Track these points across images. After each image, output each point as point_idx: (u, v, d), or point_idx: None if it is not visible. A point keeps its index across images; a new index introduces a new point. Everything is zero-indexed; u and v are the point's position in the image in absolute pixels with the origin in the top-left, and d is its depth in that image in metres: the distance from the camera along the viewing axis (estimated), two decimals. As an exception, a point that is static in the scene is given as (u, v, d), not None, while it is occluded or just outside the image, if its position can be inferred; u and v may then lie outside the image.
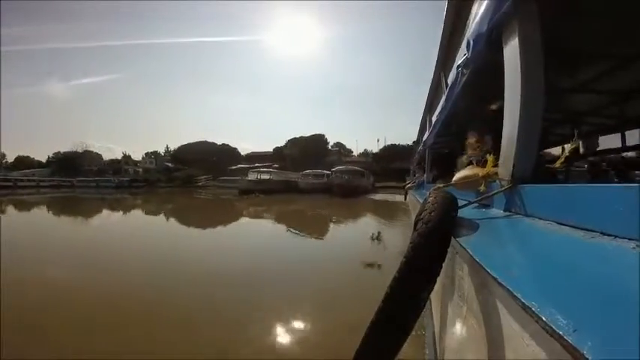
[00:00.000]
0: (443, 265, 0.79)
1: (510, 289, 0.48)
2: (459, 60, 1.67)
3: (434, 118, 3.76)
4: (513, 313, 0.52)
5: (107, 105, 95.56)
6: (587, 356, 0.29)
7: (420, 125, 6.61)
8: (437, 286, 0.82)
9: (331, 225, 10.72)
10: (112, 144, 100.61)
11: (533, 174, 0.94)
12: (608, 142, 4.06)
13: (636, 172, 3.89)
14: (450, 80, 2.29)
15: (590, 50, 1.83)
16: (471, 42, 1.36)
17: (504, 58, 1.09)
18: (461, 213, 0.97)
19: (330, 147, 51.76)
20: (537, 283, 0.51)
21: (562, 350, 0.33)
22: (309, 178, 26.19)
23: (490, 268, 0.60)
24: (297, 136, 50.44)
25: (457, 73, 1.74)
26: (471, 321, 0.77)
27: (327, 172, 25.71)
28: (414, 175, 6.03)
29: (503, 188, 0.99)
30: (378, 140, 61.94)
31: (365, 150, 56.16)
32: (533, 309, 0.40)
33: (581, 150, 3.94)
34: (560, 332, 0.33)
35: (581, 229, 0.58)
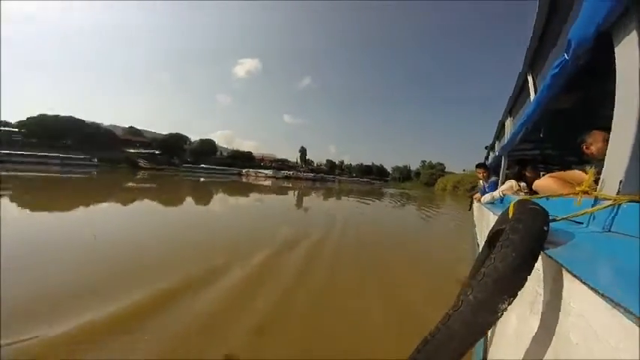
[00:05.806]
0: (528, 278, 0.77)
1: (620, 302, 0.47)
2: (555, 61, 1.52)
3: (517, 123, 3.41)
4: (615, 330, 0.51)
5: None
6: None
7: (497, 129, 5.97)
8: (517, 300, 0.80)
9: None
10: None
11: None
12: None
13: None
14: (540, 83, 2.07)
15: None
16: (573, 42, 1.24)
17: (617, 61, 0.98)
18: (552, 227, 0.92)
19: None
20: None
21: None
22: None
23: (592, 283, 0.58)
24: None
25: (552, 76, 1.58)
26: (551, 342, 0.74)
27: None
28: (488, 182, 5.42)
29: (605, 205, 0.90)
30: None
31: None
32: None
33: None
34: None
35: None
